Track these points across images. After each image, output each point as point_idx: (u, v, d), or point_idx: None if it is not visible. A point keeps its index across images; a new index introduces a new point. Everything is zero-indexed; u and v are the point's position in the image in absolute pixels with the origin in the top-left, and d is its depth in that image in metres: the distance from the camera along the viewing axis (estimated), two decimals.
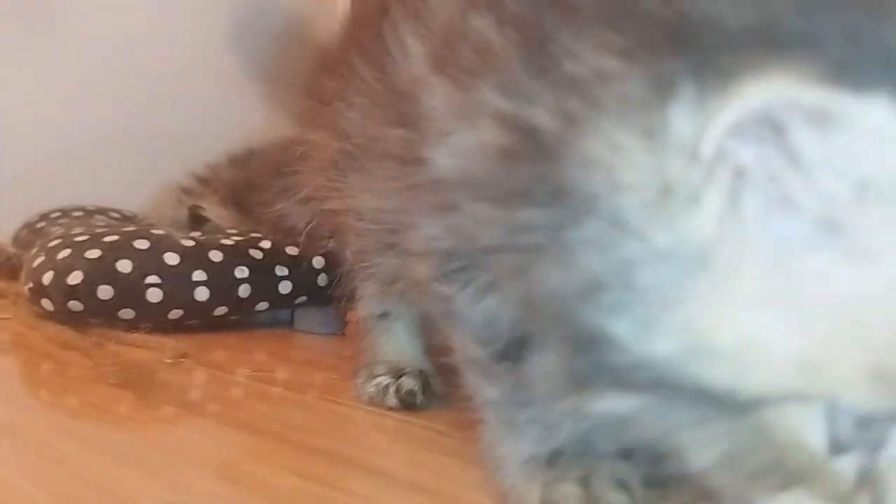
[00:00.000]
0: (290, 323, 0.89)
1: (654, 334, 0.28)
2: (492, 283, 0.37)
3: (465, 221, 0.35)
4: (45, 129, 1.10)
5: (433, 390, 0.58)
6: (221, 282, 0.81)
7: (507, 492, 0.40)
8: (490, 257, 0.35)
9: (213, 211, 1.03)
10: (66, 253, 0.78)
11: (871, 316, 0.26)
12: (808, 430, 0.29)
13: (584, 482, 0.38)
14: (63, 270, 0.77)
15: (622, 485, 0.38)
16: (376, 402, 0.58)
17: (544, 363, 0.34)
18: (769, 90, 0.25)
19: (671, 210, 0.28)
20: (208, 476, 0.45)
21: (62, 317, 0.78)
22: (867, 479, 0.30)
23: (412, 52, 0.42)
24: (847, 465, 0.30)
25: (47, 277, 0.77)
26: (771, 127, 0.25)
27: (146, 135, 1.14)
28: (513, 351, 0.39)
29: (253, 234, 0.88)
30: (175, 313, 0.80)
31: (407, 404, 0.57)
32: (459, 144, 0.35)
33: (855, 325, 0.27)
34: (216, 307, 0.81)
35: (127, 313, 0.78)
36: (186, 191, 1.10)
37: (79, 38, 1.12)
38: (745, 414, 0.29)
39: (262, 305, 0.85)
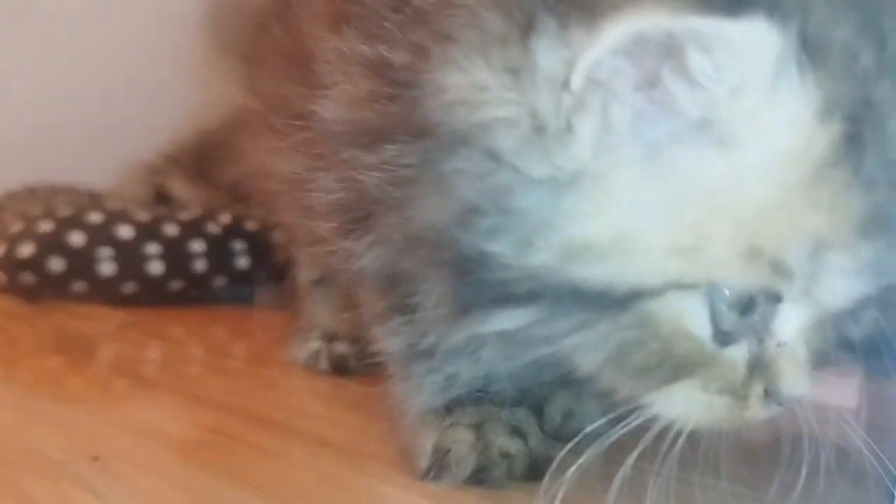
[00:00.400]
0: (250, 300, 0.88)
1: (532, 250, 0.29)
2: (383, 231, 0.37)
3: (351, 172, 0.36)
4: (12, 109, 1.10)
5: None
6: (177, 256, 0.81)
7: (407, 442, 0.40)
8: (377, 204, 0.35)
9: (181, 187, 1.03)
10: (18, 227, 0.79)
11: (739, 197, 0.28)
12: (691, 317, 0.30)
13: (478, 428, 0.38)
14: (15, 243, 0.77)
15: (517, 431, 0.38)
16: (310, 365, 0.57)
17: (431, 300, 0.34)
18: (641, 21, 0.26)
19: (546, 144, 0.29)
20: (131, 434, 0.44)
21: (15, 290, 0.78)
22: (759, 368, 0.31)
23: (313, 10, 0.42)
24: (737, 355, 0.31)
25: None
26: (645, 49, 0.27)
27: (115, 114, 1.14)
28: (408, 301, 0.39)
29: (216, 210, 0.88)
30: (129, 287, 0.80)
31: (339, 368, 0.57)
32: (338, 95, 0.35)
33: (726, 208, 0.28)
34: (171, 281, 0.81)
35: (80, 286, 0.78)
36: (154, 169, 1.10)
37: (47, 17, 1.12)
38: (625, 309, 0.30)
39: (220, 280, 0.84)
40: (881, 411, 0.43)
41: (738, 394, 0.31)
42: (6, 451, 0.41)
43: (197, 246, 0.82)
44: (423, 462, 0.38)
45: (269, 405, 0.50)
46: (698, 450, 0.34)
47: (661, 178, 0.28)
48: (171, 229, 0.82)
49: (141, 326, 0.71)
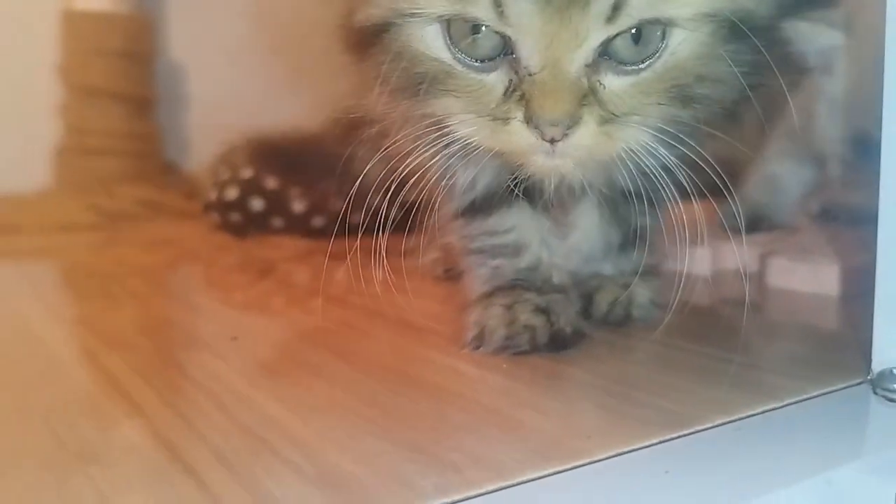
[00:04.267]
0: None
1: None
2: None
3: None
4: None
5: None
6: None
7: (466, 320, 0.48)
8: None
9: None
10: (226, 175, 0.95)
11: None
12: (429, 41, 0.38)
13: (509, 308, 0.46)
14: (223, 189, 0.94)
15: (542, 310, 0.45)
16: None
17: None
18: None
19: None
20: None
21: (226, 227, 0.95)
22: (515, 94, 0.37)
23: None
24: (495, 82, 0.38)
25: (212, 195, 0.94)
26: None
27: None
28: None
29: None
30: (317, 221, 0.94)
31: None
32: None
33: None
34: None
35: (277, 222, 0.94)
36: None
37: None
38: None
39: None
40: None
41: (500, 117, 0.37)
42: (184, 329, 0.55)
43: None
44: (468, 335, 0.46)
45: (385, 303, 0.60)
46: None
47: None
48: None
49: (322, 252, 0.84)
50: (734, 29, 0.37)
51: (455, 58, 0.37)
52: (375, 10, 0.38)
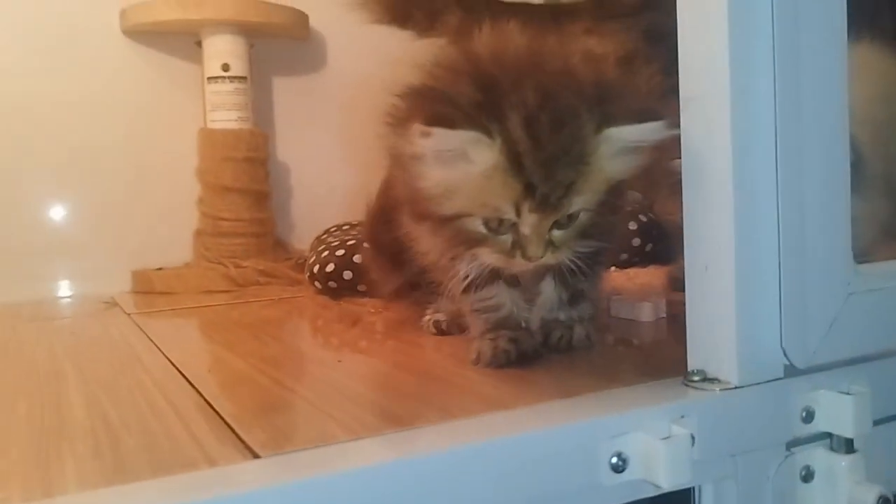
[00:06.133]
0: None
1: None
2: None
3: None
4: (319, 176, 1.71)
5: None
6: None
7: (471, 348, 0.82)
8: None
9: None
10: (325, 253, 1.33)
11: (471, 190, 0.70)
12: (476, 225, 0.72)
13: (493, 339, 0.80)
14: (323, 263, 1.31)
15: (512, 340, 0.80)
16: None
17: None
18: None
19: None
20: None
21: (324, 292, 1.32)
22: (517, 244, 0.72)
23: None
24: (505, 238, 0.72)
25: (315, 268, 1.32)
26: None
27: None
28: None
29: None
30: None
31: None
32: None
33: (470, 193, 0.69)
34: None
35: (362, 287, 1.30)
36: None
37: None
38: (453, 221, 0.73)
39: None
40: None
41: (509, 254, 0.72)
42: (308, 355, 0.92)
43: None
44: (472, 356, 0.81)
45: (428, 340, 0.95)
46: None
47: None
48: None
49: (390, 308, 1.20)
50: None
51: (488, 232, 0.72)
52: (452, 207, 0.71)
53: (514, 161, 0.67)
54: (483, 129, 0.66)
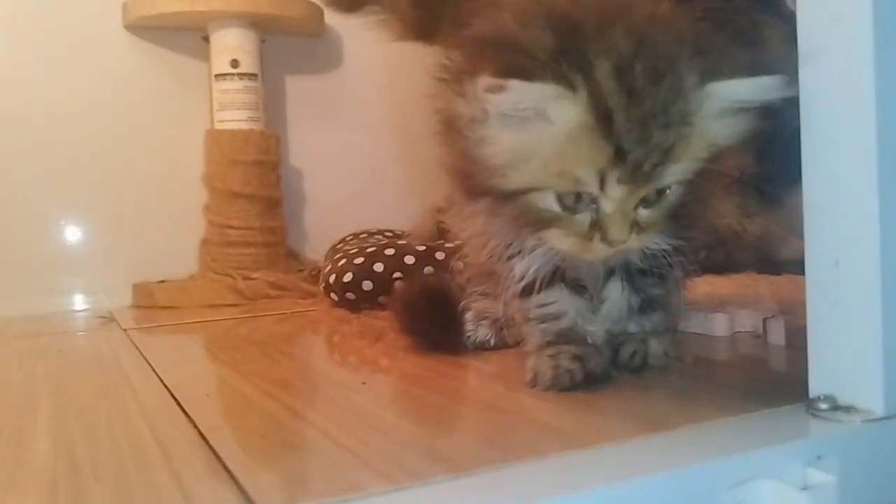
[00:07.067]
0: None
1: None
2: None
3: None
4: (341, 180, 1.58)
5: None
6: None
7: (526, 366, 0.68)
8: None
9: None
10: (343, 261, 1.19)
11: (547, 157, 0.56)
12: (548, 202, 0.58)
13: (554, 357, 0.66)
14: (340, 273, 1.17)
15: (577, 358, 0.65)
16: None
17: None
18: None
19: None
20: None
21: (342, 303, 1.18)
22: (596, 225, 0.58)
23: None
24: (583, 217, 0.58)
25: (331, 278, 1.18)
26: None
27: (418, 166, 1.55)
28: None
29: None
30: None
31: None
32: None
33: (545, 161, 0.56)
34: None
35: (382, 298, 1.16)
36: (440, 209, 1.47)
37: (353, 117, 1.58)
38: (519, 197, 0.59)
39: None
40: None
41: (586, 237, 0.58)
42: (325, 376, 0.78)
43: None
44: (527, 377, 0.66)
45: (467, 357, 0.81)
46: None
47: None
48: (440, 255, 1.17)
49: None
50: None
51: (562, 210, 0.58)
52: (520, 179, 0.58)
53: (603, 119, 0.53)
54: (565, 82, 0.53)
